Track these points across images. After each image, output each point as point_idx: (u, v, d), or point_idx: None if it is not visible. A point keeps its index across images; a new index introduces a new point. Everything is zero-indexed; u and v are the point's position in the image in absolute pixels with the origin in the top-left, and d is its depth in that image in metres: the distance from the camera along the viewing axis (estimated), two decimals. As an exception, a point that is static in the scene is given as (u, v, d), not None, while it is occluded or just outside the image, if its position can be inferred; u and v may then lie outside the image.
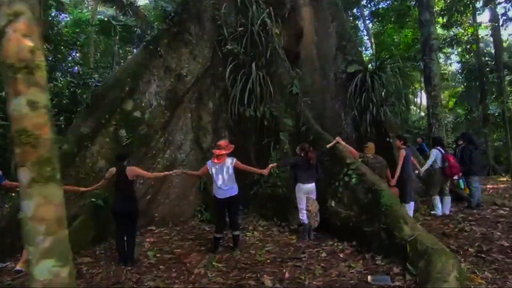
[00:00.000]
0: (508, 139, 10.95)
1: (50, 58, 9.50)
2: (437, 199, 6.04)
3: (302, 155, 5.04)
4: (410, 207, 5.57)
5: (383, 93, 7.48)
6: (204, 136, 7.09)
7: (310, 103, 10.11)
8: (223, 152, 4.58)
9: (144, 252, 4.59)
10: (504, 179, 10.77)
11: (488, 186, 9.46)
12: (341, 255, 3.95)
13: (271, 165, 5.08)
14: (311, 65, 10.29)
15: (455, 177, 6.30)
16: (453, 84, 18.69)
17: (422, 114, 24.60)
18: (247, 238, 5.06)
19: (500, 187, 9.19)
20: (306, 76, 10.23)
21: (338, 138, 5.28)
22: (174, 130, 6.76)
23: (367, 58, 17.54)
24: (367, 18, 15.94)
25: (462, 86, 14.50)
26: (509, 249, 3.93)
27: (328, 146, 5.23)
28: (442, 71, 20.83)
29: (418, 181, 7.00)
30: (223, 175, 4.47)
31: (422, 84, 22.30)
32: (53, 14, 10.70)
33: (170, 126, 6.69)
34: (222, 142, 4.80)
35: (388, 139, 7.38)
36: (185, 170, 5.42)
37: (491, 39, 11.91)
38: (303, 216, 4.88)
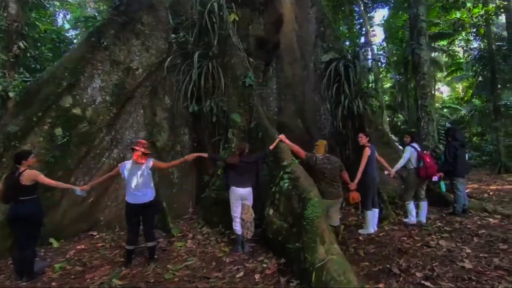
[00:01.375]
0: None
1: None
2: (411, 205, 5.19)
3: (237, 154, 4.40)
4: (372, 215, 4.78)
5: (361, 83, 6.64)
6: (158, 134, 6.57)
7: (291, 97, 9.46)
8: (144, 151, 4.04)
9: (62, 262, 4.15)
10: (515, 178, 9.53)
11: (492, 187, 8.34)
12: (258, 277, 3.29)
13: (194, 154, 4.54)
14: (291, 55, 9.53)
15: (434, 178, 5.40)
16: (469, 73, 17.08)
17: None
18: (178, 248, 4.50)
19: (505, 188, 8.05)
20: (286, 67, 9.52)
21: (281, 136, 4.58)
22: (123, 127, 6.29)
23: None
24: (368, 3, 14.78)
25: (473, 75, 13.01)
26: (469, 273, 3.12)
27: (271, 146, 4.55)
28: (457, 60, 19.26)
29: (399, 183, 6.18)
30: (137, 178, 3.92)
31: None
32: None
33: (118, 124, 6.23)
34: (143, 141, 4.28)
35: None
36: (93, 181, 4.65)
37: (503, 20, 10.51)
38: (236, 226, 4.24)
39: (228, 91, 5.89)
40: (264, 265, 3.56)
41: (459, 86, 25.93)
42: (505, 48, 10.63)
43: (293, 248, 3.20)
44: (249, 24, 8.80)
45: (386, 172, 5.17)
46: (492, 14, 9.88)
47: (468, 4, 9.28)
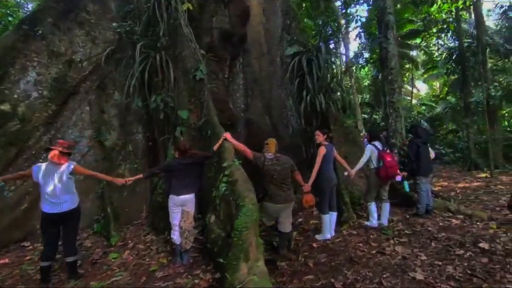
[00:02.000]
0: (488, 129, 9.65)
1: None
2: (372, 206, 4.89)
3: (177, 156, 3.95)
4: (329, 219, 4.43)
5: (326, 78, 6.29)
6: (107, 133, 6.01)
7: (258, 93, 9.05)
8: (63, 150, 3.53)
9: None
10: (484, 175, 9.50)
11: (460, 184, 8.24)
12: (182, 296, 2.86)
13: (132, 177, 4.04)
14: (259, 49, 9.12)
15: (397, 178, 5.12)
16: (443, 71, 17.19)
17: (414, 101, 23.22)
18: (112, 260, 4.01)
19: (472, 186, 7.96)
20: (253, 62, 9.11)
21: (225, 134, 4.17)
22: (64, 125, 5.69)
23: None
24: None
25: (446, 73, 13.03)
26: (419, 285, 2.80)
27: (215, 146, 4.12)
28: (434, 58, 19.42)
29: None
30: (54, 182, 3.41)
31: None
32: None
33: (59, 122, 5.63)
34: (63, 141, 3.77)
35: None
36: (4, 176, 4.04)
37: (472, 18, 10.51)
38: (174, 235, 3.79)
39: (179, 85, 5.40)
40: (197, 281, 3.13)
41: (436, 84, 26.37)
42: (474, 45, 10.62)
43: (223, 263, 2.79)
44: (213, 16, 8.33)
45: (345, 173, 4.84)
46: (462, 9, 9.82)
47: (439, 1, 9.17)
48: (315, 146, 6.54)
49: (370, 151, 4.87)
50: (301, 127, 6.66)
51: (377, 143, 4.92)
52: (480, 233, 4.17)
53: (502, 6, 10.53)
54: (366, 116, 19.71)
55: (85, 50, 5.89)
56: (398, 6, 14.50)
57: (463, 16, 10.66)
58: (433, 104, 18.28)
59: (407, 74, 21.57)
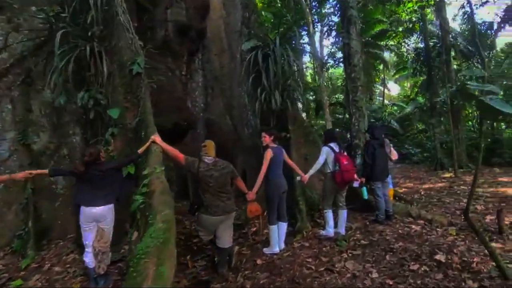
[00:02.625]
0: (452, 129, 9.67)
1: None
2: (328, 214, 4.48)
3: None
4: (277, 231, 3.97)
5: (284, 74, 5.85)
6: (35, 135, 5.24)
7: (219, 91, 8.51)
8: None
9: None
10: (448, 175, 9.49)
11: (425, 185, 8.10)
12: None
13: (36, 171, 3.37)
14: (219, 44, 8.59)
15: (354, 184, 4.76)
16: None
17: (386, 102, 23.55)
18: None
19: (436, 186, 7.83)
20: (213, 59, 8.56)
21: (154, 136, 3.60)
22: (-21, 127, 4.88)
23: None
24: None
25: (413, 73, 13.11)
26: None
27: (141, 149, 3.54)
28: (405, 59, 19.69)
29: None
30: None
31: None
32: None
33: (-29, 122, 4.81)
34: None
35: (286, 134, 5.80)
36: None
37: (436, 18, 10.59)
38: (86, 256, 3.19)
39: (114, 80, 4.75)
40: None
41: (407, 85, 26.98)
42: (439, 45, 10.65)
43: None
44: (168, 7, 7.70)
45: (298, 178, 4.40)
46: (426, 7, 9.80)
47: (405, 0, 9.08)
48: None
49: (326, 154, 4.46)
50: (257, 128, 6.19)
51: (333, 145, 4.51)
52: (438, 242, 3.86)
53: (463, 6, 10.67)
54: (341, 116, 19.71)
55: (6, 40, 5.09)
56: (370, 7, 14.52)
57: (429, 17, 10.67)
58: (403, 105, 18.49)
59: (379, 75, 21.82)
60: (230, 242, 3.57)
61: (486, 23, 12.68)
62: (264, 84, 5.57)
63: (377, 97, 24.60)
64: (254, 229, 4.96)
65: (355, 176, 4.44)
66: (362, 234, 4.40)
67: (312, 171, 4.46)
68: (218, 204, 3.37)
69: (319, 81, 11.35)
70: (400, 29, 11.55)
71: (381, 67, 20.90)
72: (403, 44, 14.44)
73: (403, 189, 7.69)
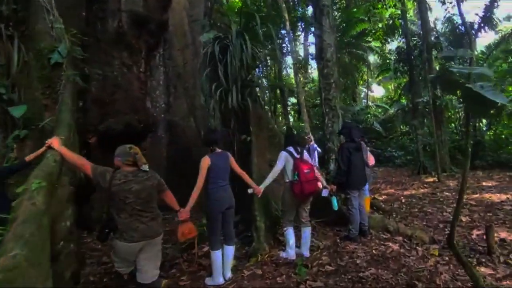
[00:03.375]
0: (435, 131, 9.17)
1: None
2: (288, 232, 3.74)
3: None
4: (220, 257, 3.19)
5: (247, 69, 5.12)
6: None
7: (182, 90, 7.70)
8: None
9: None
10: (432, 179, 8.96)
11: (407, 192, 7.50)
12: None
13: None
14: (182, 39, 7.78)
15: (323, 193, 4.05)
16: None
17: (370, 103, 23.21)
18: None
19: (419, 192, 7.24)
20: (176, 54, 7.76)
21: (52, 140, 2.77)
22: None
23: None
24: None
25: (395, 73, 12.68)
26: None
27: (30, 156, 2.72)
28: (388, 60, 19.37)
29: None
30: None
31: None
32: None
33: None
34: None
35: (245, 137, 5.06)
36: None
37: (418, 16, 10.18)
38: None
39: (30, 72, 3.89)
40: None
41: (392, 87, 26.84)
42: (420, 43, 10.21)
43: None
44: (121, -5, 6.88)
45: (249, 191, 3.64)
46: (406, 2, 9.35)
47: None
48: (235, 153, 5.38)
49: (284, 159, 3.73)
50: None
51: (292, 149, 3.78)
52: (418, 267, 3.17)
53: (445, 6, 10.28)
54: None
55: None
56: (354, 9, 14.06)
57: (409, 14, 10.26)
58: (386, 107, 18.11)
59: (362, 76, 21.48)
60: (155, 276, 2.76)
61: (468, 23, 12.36)
62: (221, 79, 4.82)
63: (363, 100, 24.28)
64: (207, 249, 4.17)
65: (320, 185, 3.72)
66: (329, 256, 3.68)
67: (268, 181, 3.72)
68: (137, 227, 2.57)
69: (295, 81, 10.73)
70: (380, 25, 11.07)
71: (364, 68, 20.56)
72: (385, 44, 13.98)
73: (383, 197, 7.06)
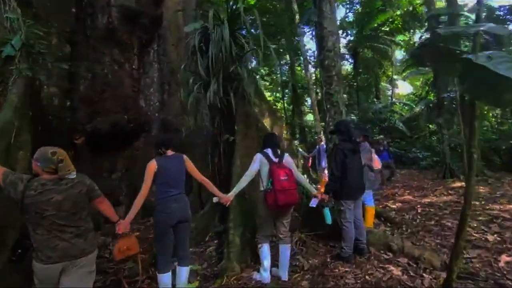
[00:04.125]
0: (463, 129, 8.04)
1: None
2: (264, 250, 3.14)
3: None
4: (169, 281, 2.66)
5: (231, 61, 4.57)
6: None
7: (177, 87, 7.30)
8: None
9: None
10: (459, 184, 7.86)
11: (426, 199, 6.55)
12: None
13: None
14: (176, 34, 7.38)
15: (311, 203, 3.41)
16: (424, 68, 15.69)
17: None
18: None
19: (441, 200, 6.28)
20: (170, 50, 7.38)
21: None
22: None
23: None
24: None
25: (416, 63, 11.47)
26: None
27: None
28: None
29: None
30: None
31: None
32: None
33: None
34: None
35: (229, 137, 4.52)
36: None
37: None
38: None
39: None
40: None
41: (419, 82, 24.96)
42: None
43: None
44: (111, -11, 6.60)
45: (214, 200, 3.08)
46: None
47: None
48: (221, 154, 4.86)
49: (259, 162, 3.13)
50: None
51: (270, 151, 3.18)
52: (419, 304, 2.44)
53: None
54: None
55: None
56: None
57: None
58: (412, 104, 16.70)
59: (386, 72, 20.09)
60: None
61: (506, 7, 10.91)
62: (200, 71, 4.32)
63: (389, 97, 22.73)
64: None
65: (297, 196, 3.08)
66: (311, 281, 3.04)
67: (238, 188, 3.14)
68: (56, 245, 2.13)
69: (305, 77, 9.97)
70: (398, 12, 9.99)
71: (387, 63, 19.19)
72: (411, 37, 12.78)
73: (397, 204, 6.20)
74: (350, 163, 3.47)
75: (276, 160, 3.11)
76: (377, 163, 4.63)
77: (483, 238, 3.81)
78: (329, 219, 3.46)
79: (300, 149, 8.89)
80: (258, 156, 3.16)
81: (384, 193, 7.42)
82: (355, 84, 17.56)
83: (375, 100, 19.29)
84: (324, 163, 7.43)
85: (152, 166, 2.67)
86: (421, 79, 21.51)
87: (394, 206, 6.07)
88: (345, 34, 16.69)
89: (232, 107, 4.60)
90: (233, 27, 4.66)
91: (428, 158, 12.50)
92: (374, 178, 4.59)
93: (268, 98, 20.66)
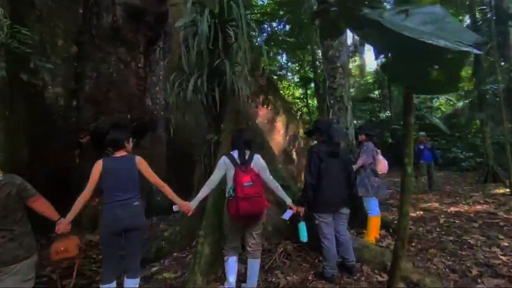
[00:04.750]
0: (506, 127, 6.82)
1: None
2: (229, 263, 2.80)
3: None
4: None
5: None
6: None
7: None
8: None
9: None
10: (502, 191, 6.73)
11: (454, 208, 5.67)
12: None
13: None
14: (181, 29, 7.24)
15: (285, 215, 2.99)
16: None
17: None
18: None
19: (473, 210, 5.36)
20: (174, 47, 7.27)
21: None
22: None
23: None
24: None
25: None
26: None
27: None
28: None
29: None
30: None
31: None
32: None
33: None
34: None
35: (213, 136, 4.22)
36: None
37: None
38: None
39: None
40: None
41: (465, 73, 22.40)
42: (489, 13, 7.76)
43: None
44: (116, -12, 6.62)
45: (175, 208, 2.78)
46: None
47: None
48: (211, 153, 4.59)
49: (224, 166, 2.79)
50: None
51: (236, 154, 2.81)
52: None
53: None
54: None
55: None
56: None
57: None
58: (453, 99, 14.96)
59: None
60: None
61: None
62: (183, 66, 4.07)
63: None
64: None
65: (265, 205, 2.67)
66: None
67: (201, 194, 2.81)
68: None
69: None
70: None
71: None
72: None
73: (417, 213, 5.43)
74: (327, 169, 2.95)
75: (241, 163, 2.74)
76: (382, 167, 4.02)
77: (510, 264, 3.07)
78: (304, 236, 2.99)
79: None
80: (222, 160, 2.81)
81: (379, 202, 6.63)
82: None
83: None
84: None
85: (97, 167, 2.46)
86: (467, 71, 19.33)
87: (413, 215, 5.32)
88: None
89: (221, 104, 4.30)
90: (223, 19, 4.35)
91: (471, 159, 11.08)
92: (379, 183, 3.99)
93: (297, 95, 20.07)
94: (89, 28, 6.42)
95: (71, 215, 2.38)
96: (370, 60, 21.91)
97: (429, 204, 6.09)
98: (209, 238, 3.23)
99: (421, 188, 7.17)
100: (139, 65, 6.86)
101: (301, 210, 2.96)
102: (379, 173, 4.01)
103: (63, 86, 5.77)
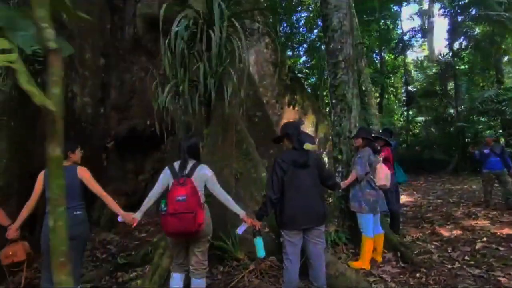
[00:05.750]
0: None
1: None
2: (172, 280, 2.62)
3: None
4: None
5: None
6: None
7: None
8: None
9: None
10: None
11: (505, 230, 4.46)
12: None
13: None
14: (198, 34, 7.30)
15: (238, 230, 2.69)
16: None
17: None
18: None
19: (502, 233, 4.13)
20: (193, 52, 7.34)
21: None
22: None
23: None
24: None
25: None
26: None
27: None
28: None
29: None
30: None
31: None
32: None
33: None
34: None
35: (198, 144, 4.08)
36: None
37: None
38: None
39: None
40: None
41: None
42: None
43: None
44: (137, 1, 7.03)
45: (119, 219, 2.70)
46: None
47: None
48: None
49: (166, 178, 2.62)
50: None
51: (177, 164, 2.62)
52: None
53: None
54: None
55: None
56: None
57: None
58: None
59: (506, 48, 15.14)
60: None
61: None
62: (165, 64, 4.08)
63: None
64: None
65: (198, 222, 2.40)
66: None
67: (144, 207, 2.69)
68: None
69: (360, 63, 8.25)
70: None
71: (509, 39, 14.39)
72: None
73: (454, 232, 4.42)
74: (291, 181, 2.52)
75: (180, 174, 2.53)
76: (382, 178, 3.36)
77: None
78: (261, 252, 2.62)
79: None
80: (164, 171, 2.65)
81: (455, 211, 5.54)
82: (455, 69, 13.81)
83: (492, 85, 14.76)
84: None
85: (40, 177, 2.55)
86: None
87: (446, 234, 4.36)
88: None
89: (209, 109, 4.18)
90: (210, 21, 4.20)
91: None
92: (377, 197, 3.33)
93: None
94: (114, 40, 6.96)
95: (18, 222, 2.51)
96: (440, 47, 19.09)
97: (476, 221, 4.93)
98: (164, 253, 3.10)
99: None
100: (160, 71, 7.19)
101: (257, 224, 2.61)
102: (381, 184, 3.34)
103: (91, 96, 6.33)
